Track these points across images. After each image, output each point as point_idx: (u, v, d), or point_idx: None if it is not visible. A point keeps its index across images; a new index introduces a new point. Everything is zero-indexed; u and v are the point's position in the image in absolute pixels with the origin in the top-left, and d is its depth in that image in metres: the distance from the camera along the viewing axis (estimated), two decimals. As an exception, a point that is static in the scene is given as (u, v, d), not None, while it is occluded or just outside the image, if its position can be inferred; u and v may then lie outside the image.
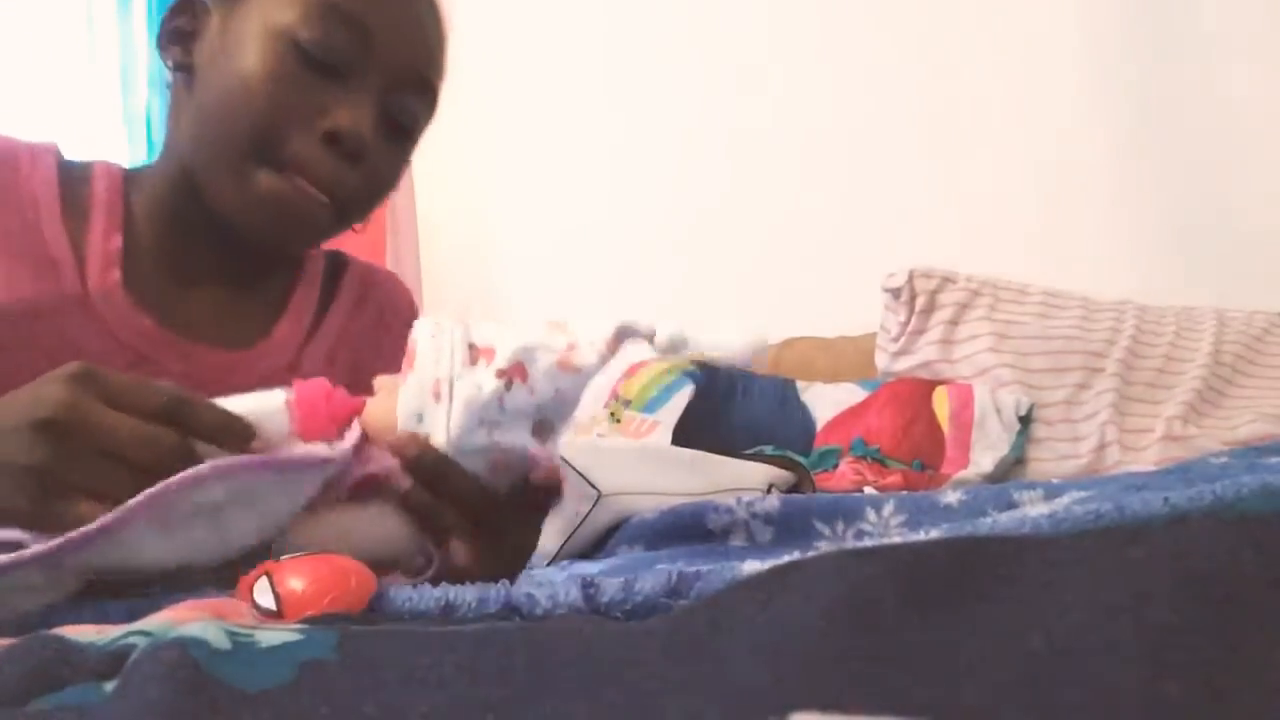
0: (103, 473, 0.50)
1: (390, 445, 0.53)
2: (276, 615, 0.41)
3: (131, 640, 0.34)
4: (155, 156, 0.82)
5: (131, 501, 0.48)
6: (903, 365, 1.73)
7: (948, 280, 1.75)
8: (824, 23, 2.02)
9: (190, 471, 0.48)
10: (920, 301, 1.74)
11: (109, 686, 0.29)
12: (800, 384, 1.84)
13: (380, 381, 0.59)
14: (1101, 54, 1.89)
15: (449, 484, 0.56)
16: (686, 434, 1.53)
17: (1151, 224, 1.85)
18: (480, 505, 0.57)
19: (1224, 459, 0.54)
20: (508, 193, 2.18)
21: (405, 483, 0.54)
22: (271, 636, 0.31)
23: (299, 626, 0.35)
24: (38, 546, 0.47)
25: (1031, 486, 0.54)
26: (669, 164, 2.09)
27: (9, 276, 0.72)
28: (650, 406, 1.78)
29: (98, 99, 1.84)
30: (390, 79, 0.75)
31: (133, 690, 0.27)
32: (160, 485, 0.48)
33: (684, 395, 1.77)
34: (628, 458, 0.60)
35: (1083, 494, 0.47)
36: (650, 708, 0.24)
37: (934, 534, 0.44)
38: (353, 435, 0.55)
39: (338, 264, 0.96)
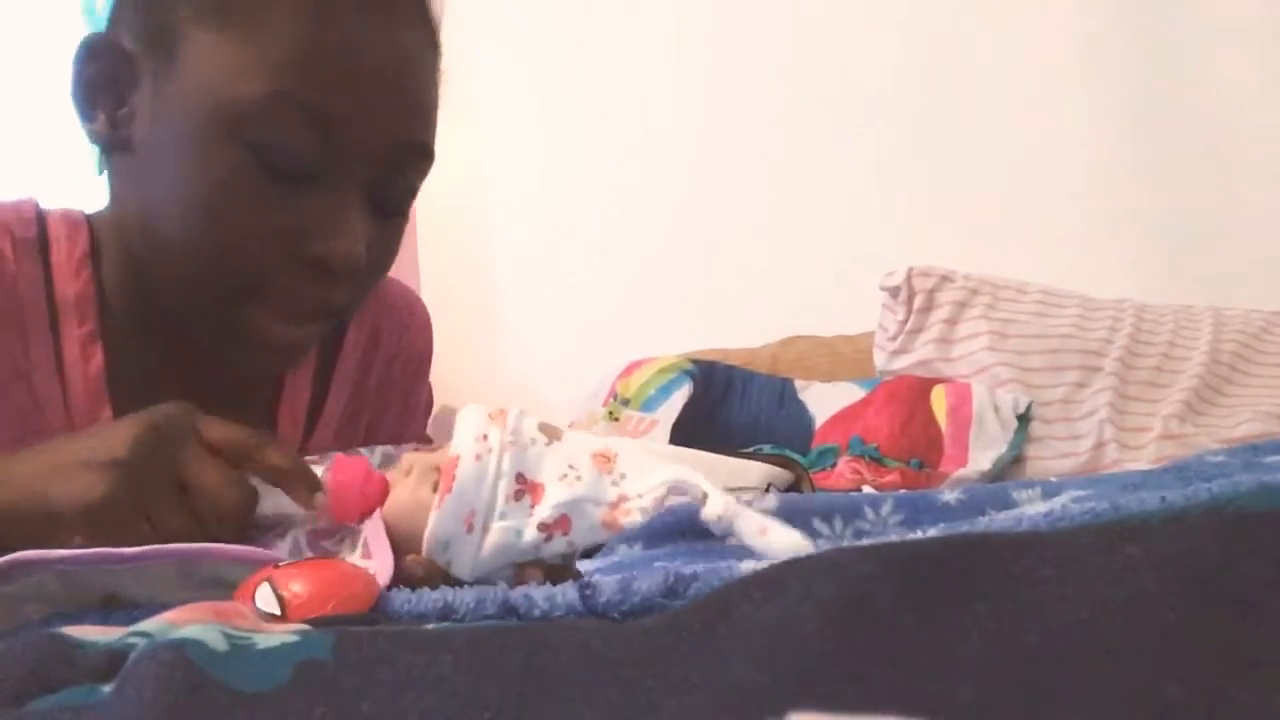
0: (170, 508, 0.50)
1: (405, 565, 0.51)
2: (280, 619, 0.41)
3: (131, 640, 0.34)
4: (108, 209, 0.68)
5: (167, 545, 0.48)
6: (901, 364, 1.73)
7: (946, 279, 1.75)
8: (825, 23, 2.02)
9: (232, 548, 0.48)
10: (918, 300, 1.74)
11: (107, 688, 0.29)
12: (798, 383, 1.84)
13: (409, 461, 0.54)
14: (1100, 53, 1.89)
15: None
16: (684, 432, 1.53)
17: (1150, 223, 1.85)
18: None
19: (1221, 457, 0.54)
20: (507, 190, 2.18)
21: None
22: (268, 638, 0.31)
23: (296, 628, 0.35)
24: (65, 552, 0.47)
25: (1029, 485, 0.54)
26: (669, 161, 2.09)
27: None
28: (648, 405, 1.78)
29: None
30: (375, 165, 0.61)
31: (130, 691, 0.27)
32: (200, 547, 0.48)
33: (682, 394, 1.77)
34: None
35: (1080, 493, 0.47)
36: (648, 707, 0.24)
37: (932, 533, 0.44)
38: (383, 562, 0.51)
39: None
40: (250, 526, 0.54)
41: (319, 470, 0.54)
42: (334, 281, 0.61)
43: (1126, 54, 1.88)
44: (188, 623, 0.34)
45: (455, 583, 0.50)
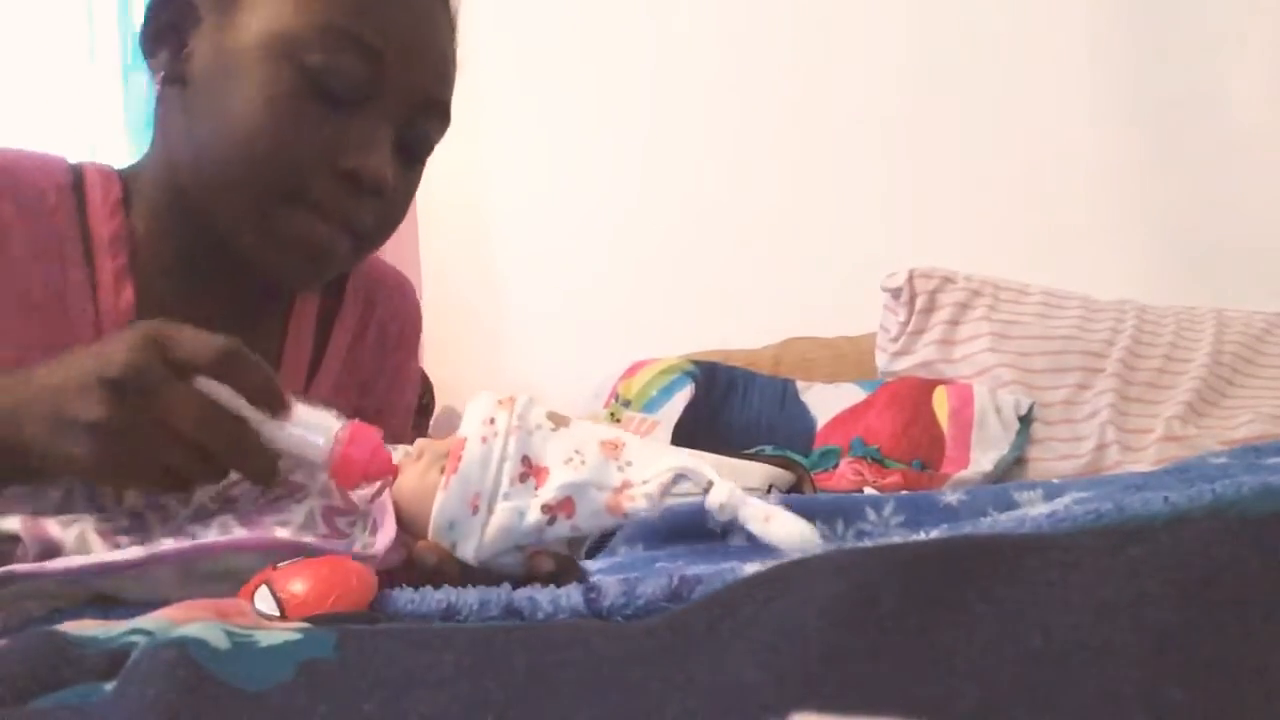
0: (162, 443, 0.51)
1: (415, 552, 0.52)
2: (280, 619, 0.41)
3: (132, 639, 0.34)
4: (145, 158, 0.76)
5: (163, 548, 0.48)
6: (902, 365, 1.73)
7: (947, 280, 1.75)
8: (827, 24, 2.02)
9: (229, 538, 0.49)
10: (920, 301, 1.74)
11: (109, 686, 0.29)
12: (800, 384, 1.84)
13: (421, 446, 0.56)
14: (1103, 55, 1.89)
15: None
16: (686, 433, 1.53)
17: (1152, 225, 1.85)
18: None
19: (1223, 459, 0.54)
20: (509, 191, 2.18)
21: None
22: (270, 636, 0.31)
23: (298, 626, 0.35)
24: (63, 562, 0.47)
25: (1031, 486, 0.54)
26: (672, 162, 2.09)
27: (21, 337, 0.68)
28: (650, 406, 1.78)
29: (98, 98, 1.84)
30: (406, 107, 0.70)
31: (132, 689, 0.27)
32: (194, 545, 0.48)
33: (684, 395, 1.77)
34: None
35: (1083, 494, 0.47)
36: (650, 708, 0.24)
37: (934, 534, 0.44)
38: (387, 517, 0.53)
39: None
40: (248, 451, 0.54)
41: (335, 427, 0.55)
42: (363, 197, 0.69)
43: (1129, 56, 1.88)
44: (189, 621, 0.34)
45: (465, 571, 0.50)
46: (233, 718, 0.26)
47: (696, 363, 1.71)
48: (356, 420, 0.56)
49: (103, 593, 0.49)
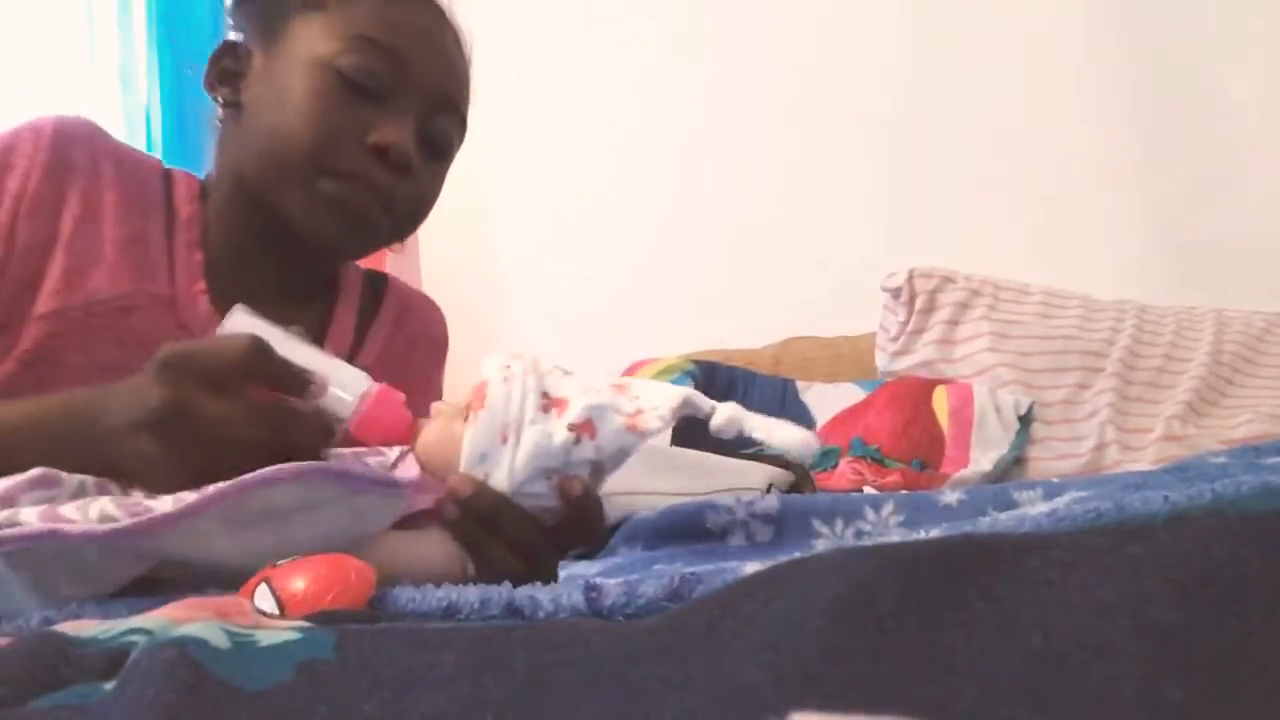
0: (221, 451, 0.56)
1: (449, 485, 0.54)
2: (280, 617, 0.41)
3: (131, 638, 0.34)
4: (212, 169, 0.90)
5: (202, 495, 0.48)
6: (902, 365, 1.73)
7: (947, 280, 1.75)
8: (826, 24, 2.02)
9: (263, 471, 0.49)
10: (920, 301, 1.74)
11: (108, 686, 0.29)
12: (800, 383, 1.84)
13: (437, 408, 0.60)
14: (1102, 55, 1.89)
15: (502, 526, 0.56)
16: (685, 433, 1.53)
17: (1151, 224, 1.85)
18: (530, 545, 0.57)
19: (1223, 458, 0.54)
20: (509, 191, 2.18)
21: (453, 512, 0.55)
22: (270, 636, 0.31)
23: (298, 625, 0.35)
24: (107, 526, 0.47)
25: (1031, 486, 0.54)
26: (671, 162, 2.09)
27: (115, 272, 0.81)
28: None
29: (98, 97, 1.84)
30: (425, 102, 0.83)
31: (132, 689, 0.27)
32: (233, 482, 0.49)
33: (683, 395, 1.74)
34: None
35: (1082, 494, 0.47)
36: (650, 707, 0.24)
37: (934, 533, 0.44)
38: (410, 468, 0.57)
39: (377, 286, 1.01)
40: (294, 433, 0.58)
41: (363, 387, 0.61)
42: (389, 169, 0.80)
43: (1129, 56, 1.88)
44: (189, 620, 0.34)
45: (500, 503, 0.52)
46: (232, 718, 0.26)
47: (696, 362, 1.71)
48: (385, 384, 0.62)
49: (146, 560, 0.48)
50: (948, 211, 1.93)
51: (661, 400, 0.53)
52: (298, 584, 0.42)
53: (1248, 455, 0.54)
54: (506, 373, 0.55)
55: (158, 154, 1.86)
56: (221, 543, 0.48)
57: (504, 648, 0.28)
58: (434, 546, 0.54)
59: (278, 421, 0.58)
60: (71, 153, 0.82)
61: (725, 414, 0.50)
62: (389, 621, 0.40)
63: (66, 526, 0.47)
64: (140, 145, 1.85)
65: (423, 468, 0.56)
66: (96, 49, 1.84)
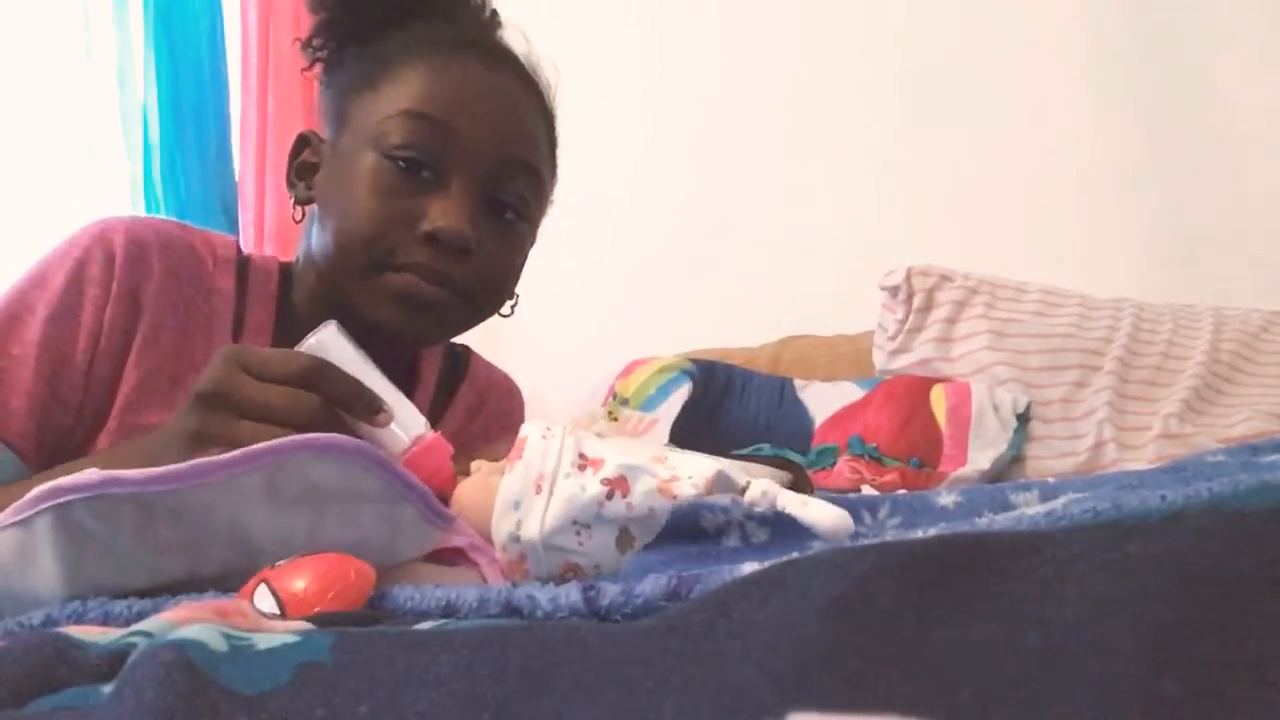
0: (253, 433, 0.57)
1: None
2: (280, 617, 0.41)
3: (131, 641, 0.34)
4: (298, 259, 0.90)
5: (247, 450, 0.48)
6: (900, 363, 1.73)
7: (945, 278, 1.75)
8: (826, 23, 2.02)
9: (306, 436, 0.50)
10: (918, 299, 1.74)
11: (107, 688, 0.29)
12: (798, 382, 1.84)
13: (477, 465, 0.61)
14: (1101, 54, 1.89)
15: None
16: (684, 432, 1.52)
17: (1149, 223, 1.85)
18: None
19: (1220, 457, 0.54)
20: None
21: (487, 559, 0.57)
22: (269, 638, 0.31)
23: (296, 628, 0.35)
24: (162, 469, 0.47)
25: (1028, 487, 0.54)
26: (670, 161, 2.08)
27: (180, 346, 0.81)
28: (648, 404, 1.78)
29: (95, 98, 1.84)
30: (486, 169, 0.79)
31: (130, 692, 0.27)
32: (277, 441, 0.49)
33: (681, 393, 1.77)
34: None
35: (1079, 494, 0.47)
36: (648, 708, 0.24)
37: (931, 533, 0.44)
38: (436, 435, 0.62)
39: (458, 365, 1.01)
40: (335, 425, 0.59)
41: (418, 431, 0.64)
42: (446, 254, 0.77)
43: (1128, 55, 1.88)
44: (188, 622, 0.34)
45: None
46: None
47: (694, 361, 1.71)
48: (440, 434, 0.64)
49: (184, 529, 0.48)
50: (946, 210, 1.93)
51: (696, 470, 0.54)
52: (297, 584, 0.42)
53: (1245, 453, 0.54)
54: (546, 432, 0.57)
55: (156, 154, 1.86)
56: (259, 514, 0.49)
57: (501, 648, 0.28)
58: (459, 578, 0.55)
59: (317, 414, 0.60)
60: (138, 276, 0.79)
61: (760, 488, 0.51)
62: (388, 621, 0.40)
63: (125, 473, 0.47)
64: (138, 145, 1.85)
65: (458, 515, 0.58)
66: (93, 49, 1.84)
